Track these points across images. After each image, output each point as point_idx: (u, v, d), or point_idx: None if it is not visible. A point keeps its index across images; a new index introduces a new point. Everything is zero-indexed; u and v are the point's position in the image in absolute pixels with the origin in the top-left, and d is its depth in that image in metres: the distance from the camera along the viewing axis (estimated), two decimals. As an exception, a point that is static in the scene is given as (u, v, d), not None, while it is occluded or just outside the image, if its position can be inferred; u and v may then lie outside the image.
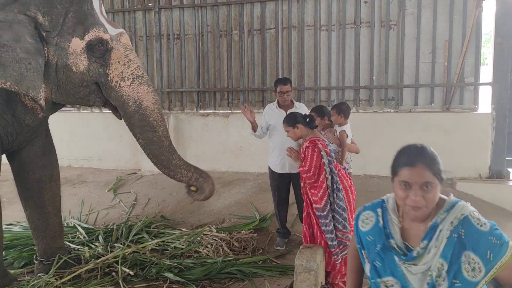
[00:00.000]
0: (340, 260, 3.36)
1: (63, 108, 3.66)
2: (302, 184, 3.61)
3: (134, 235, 4.59)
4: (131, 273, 3.77)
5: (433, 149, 1.61)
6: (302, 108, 4.42)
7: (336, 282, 3.39)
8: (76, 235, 4.69)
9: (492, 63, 5.60)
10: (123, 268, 3.79)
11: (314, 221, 3.44)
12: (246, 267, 3.94)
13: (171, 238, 4.51)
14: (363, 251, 1.81)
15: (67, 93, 3.11)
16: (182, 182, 3.29)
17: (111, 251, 4.15)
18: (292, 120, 3.66)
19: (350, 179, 3.67)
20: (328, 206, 3.37)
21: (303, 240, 3.62)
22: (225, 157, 6.53)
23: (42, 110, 3.15)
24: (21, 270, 4.02)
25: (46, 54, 2.95)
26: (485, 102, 5.77)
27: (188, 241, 4.41)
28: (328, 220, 3.35)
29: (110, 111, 3.36)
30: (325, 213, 3.36)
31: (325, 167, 3.41)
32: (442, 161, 1.60)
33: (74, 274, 3.71)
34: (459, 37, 5.65)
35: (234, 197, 5.63)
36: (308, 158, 3.42)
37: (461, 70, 5.66)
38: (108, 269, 3.87)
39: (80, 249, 4.25)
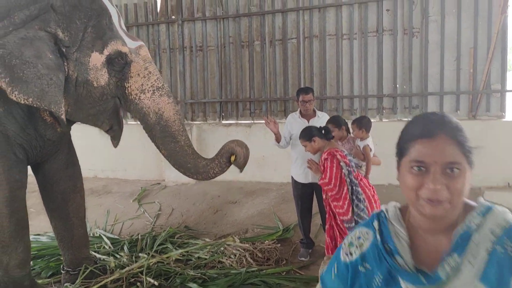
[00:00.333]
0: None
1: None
2: (324, 196, 3.58)
3: (159, 245, 4.62)
4: (156, 283, 3.78)
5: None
6: (324, 117, 4.39)
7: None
8: (101, 245, 4.75)
9: (518, 69, 5.49)
10: (147, 278, 3.81)
11: (338, 233, 3.40)
12: (270, 278, 3.91)
13: (194, 248, 4.51)
14: None
15: (81, 108, 3.12)
16: (221, 173, 3.27)
17: (136, 261, 4.19)
18: (308, 134, 3.66)
19: (373, 188, 3.62)
20: (354, 217, 3.34)
21: (325, 252, 3.58)
22: (247, 167, 6.45)
23: (62, 125, 3.20)
24: (49, 280, 4.08)
25: (66, 70, 2.99)
26: (512, 109, 5.65)
27: (212, 252, 4.41)
28: None
29: (135, 123, 3.39)
30: (353, 224, 3.33)
31: (345, 178, 3.38)
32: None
33: (100, 284, 3.74)
34: (484, 43, 5.56)
35: (257, 207, 5.63)
36: (328, 170, 3.40)
37: (487, 77, 5.56)
38: (133, 279, 3.90)
39: (105, 259, 4.30)
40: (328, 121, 4.23)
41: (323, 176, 3.44)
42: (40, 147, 3.42)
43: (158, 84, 3.19)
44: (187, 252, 4.44)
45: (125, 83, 3.12)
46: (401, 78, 5.99)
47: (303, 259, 4.38)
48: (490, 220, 1.08)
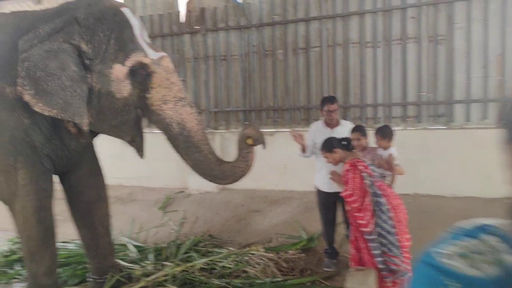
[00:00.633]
0: (391, 285, 3.26)
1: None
2: (348, 208, 3.55)
3: (184, 253, 4.65)
4: (181, 292, 3.81)
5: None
6: (347, 126, 4.36)
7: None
8: (127, 253, 4.80)
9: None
10: (173, 287, 3.84)
11: (362, 245, 3.36)
12: (295, 288, 3.90)
13: (219, 257, 4.52)
14: None
15: (104, 119, 3.16)
16: (247, 169, 3.25)
17: (161, 270, 4.22)
18: (328, 146, 3.65)
19: (399, 198, 3.57)
20: (376, 229, 3.29)
21: (350, 264, 3.54)
22: (270, 176, 6.53)
23: (85, 136, 3.25)
24: (75, 287, 4.15)
25: (90, 81, 3.04)
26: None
27: (236, 261, 4.41)
28: (376, 244, 3.27)
29: (159, 131, 3.40)
30: (373, 236, 3.28)
31: (368, 189, 3.34)
32: (499, 179, 0.92)
33: (126, 292, 3.80)
34: (512, 50, 5.45)
35: (280, 216, 5.61)
36: (350, 181, 3.37)
37: (516, 84, 5.44)
38: (158, 288, 3.94)
39: (131, 267, 4.34)
40: (354, 130, 4.19)
41: (346, 187, 3.41)
42: (66, 157, 3.48)
43: (180, 94, 3.21)
44: (212, 261, 4.45)
45: (147, 94, 3.15)
46: (426, 85, 5.91)
47: (328, 269, 4.34)
48: None
